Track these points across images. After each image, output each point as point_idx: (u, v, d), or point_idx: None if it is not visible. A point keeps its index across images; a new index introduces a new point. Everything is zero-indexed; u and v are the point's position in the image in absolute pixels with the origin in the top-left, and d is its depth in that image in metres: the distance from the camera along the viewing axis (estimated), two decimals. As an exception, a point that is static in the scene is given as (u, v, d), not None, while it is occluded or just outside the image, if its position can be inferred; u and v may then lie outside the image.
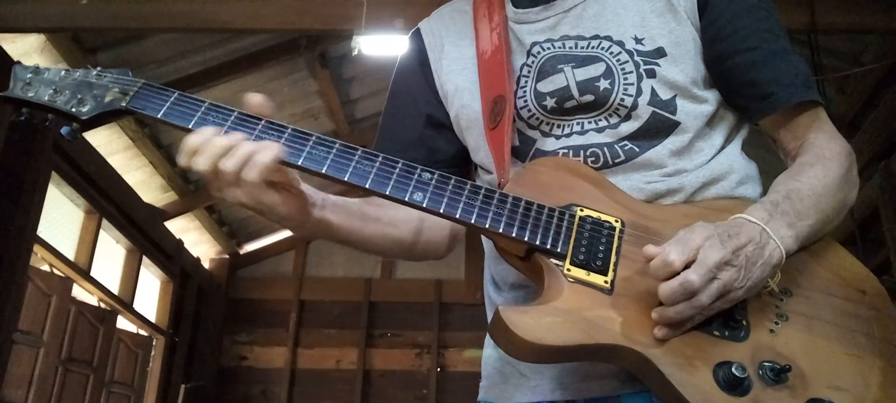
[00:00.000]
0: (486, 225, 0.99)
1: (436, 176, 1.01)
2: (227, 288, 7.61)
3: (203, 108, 1.03)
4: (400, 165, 1.02)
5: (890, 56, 4.32)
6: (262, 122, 1.02)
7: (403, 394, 7.29)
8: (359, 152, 1.02)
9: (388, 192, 1.00)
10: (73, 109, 1.05)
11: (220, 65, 5.21)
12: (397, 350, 7.45)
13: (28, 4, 3.97)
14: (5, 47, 4.17)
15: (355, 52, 4.18)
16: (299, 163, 0.99)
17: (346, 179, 0.99)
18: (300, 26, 4.20)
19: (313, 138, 1.01)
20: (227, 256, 7.65)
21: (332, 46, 5.55)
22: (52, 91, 1.06)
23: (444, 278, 7.49)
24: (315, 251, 7.87)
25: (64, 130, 1.06)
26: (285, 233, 7.84)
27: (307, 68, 5.64)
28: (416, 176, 1.01)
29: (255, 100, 1.03)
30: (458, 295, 7.46)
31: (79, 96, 1.06)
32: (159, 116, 1.03)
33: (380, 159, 1.01)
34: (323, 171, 0.99)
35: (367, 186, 0.99)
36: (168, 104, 1.04)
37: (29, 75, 1.07)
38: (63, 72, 1.08)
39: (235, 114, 1.02)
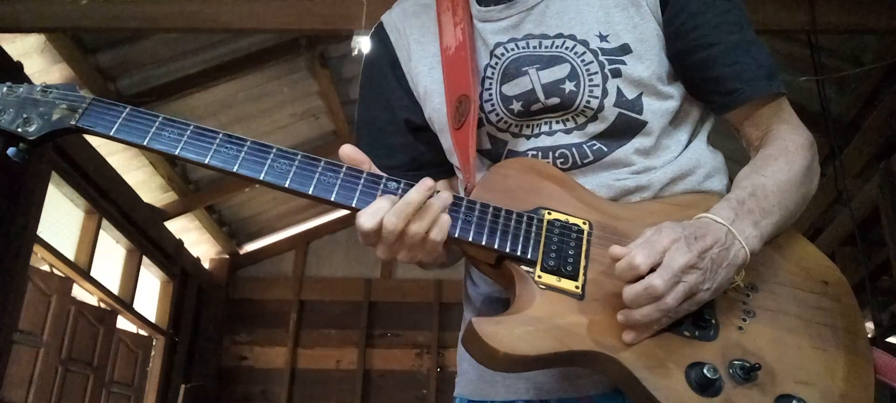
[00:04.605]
0: (455, 234, 0.98)
1: (402, 185, 0.99)
2: (228, 288, 7.61)
3: (157, 124, 0.99)
4: (364, 176, 0.99)
5: (890, 56, 4.31)
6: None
7: (403, 394, 7.29)
8: (321, 164, 0.99)
9: (353, 204, 0.97)
10: (20, 129, 0.99)
11: (220, 65, 5.20)
12: (397, 350, 7.46)
13: (28, 4, 3.97)
14: (5, 47, 4.17)
15: (355, 52, 4.18)
16: (258, 177, 0.97)
17: (310, 193, 0.97)
18: (300, 26, 4.20)
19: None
20: (227, 256, 7.65)
21: (332, 46, 5.54)
22: None
23: (444, 278, 7.49)
24: (315, 251, 7.88)
25: (10, 151, 1.00)
26: (285, 233, 7.85)
27: (307, 68, 5.63)
28: (381, 186, 0.99)
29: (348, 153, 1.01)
30: (458, 295, 7.27)
31: (24, 115, 1.00)
32: (111, 134, 0.99)
33: (344, 170, 0.99)
34: (286, 185, 0.97)
35: (331, 199, 0.97)
36: (119, 120, 0.99)
37: None
38: (5, 89, 1.02)
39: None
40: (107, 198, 5.37)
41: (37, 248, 4.52)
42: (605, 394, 1.03)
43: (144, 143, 0.98)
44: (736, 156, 1.23)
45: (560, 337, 0.92)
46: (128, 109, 1.00)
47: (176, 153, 0.98)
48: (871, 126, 4.65)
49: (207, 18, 4.04)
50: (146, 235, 6.08)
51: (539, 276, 0.98)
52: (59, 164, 4.70)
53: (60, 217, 5.05)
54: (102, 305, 5.59)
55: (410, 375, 7.37)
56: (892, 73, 4.36)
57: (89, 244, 5.27)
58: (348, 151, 1.01)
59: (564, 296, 0.97)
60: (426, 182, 0.96)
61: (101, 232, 5.45)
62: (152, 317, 6.48)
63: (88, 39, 4.64)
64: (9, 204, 4.14)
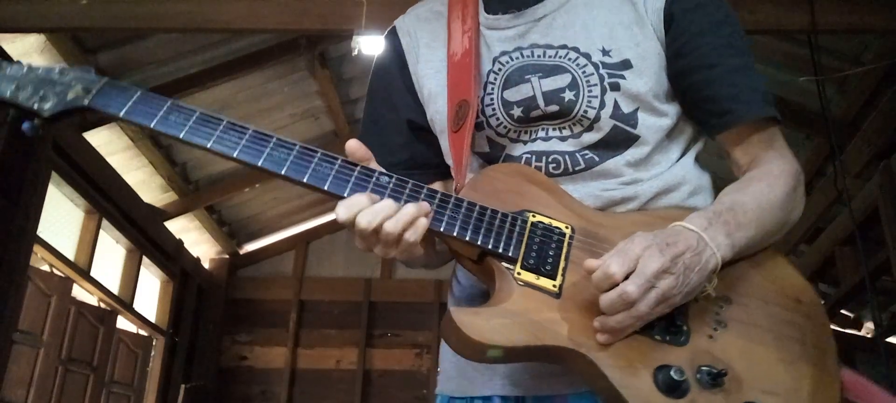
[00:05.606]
0: (441, 229, 1.02)
1: (393, 180, 1.03)
2: (227, 288, 7.60)
3: (165, 107, 1.04)
4: (358, 168, 1.03)
5: (890, 56, 4.31)
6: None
7: (403, 394, 7.29)
8: (318, 155, 1.03)
9: (345, 195, 1.01)
10: (35, 106, 1.05)
11: (220, 65, 5.20)
12: (397, 350, 7.46)
13: (28, 4, 3.97)
14: (5, 47, 4.17)
15: (355, 52, 4.18)
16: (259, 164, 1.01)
17: (304, 181, 1.01)
18: (300, 26, 4.19)
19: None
20: (227, 256, 7.65)
21: (332, 46, 5.54)
22: (14, 86, 1.06)
23: (444, 278, 7.46)
24: (315, 251, 7.87)
25: (25, 126, 1.06)
26: (285, 233, 7.85)
27: (307, 68, 5.63)
28: (373, 179, 1.02)
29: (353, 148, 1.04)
30: (458, 295, 7.45)
31: (41, 93, 1.06)
32: (122, 115, 1.03)
33: (339, 162, 1.02)
34: (282, 173, 1.01)
35: (324, 188, 1.01)
36: (130, 102, 1.04)
37: None
38: (26, 68, 1.08)
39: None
40: (107, 198, 5.37)
41: (37, 248, 4.52)
42: (578, 394, 1.06)
43: (152, 125, 1.03)
44: (722, 173, 1.24)
45: (534, 332, 0.96)
46: (139, 92, 1.05)
47: (180, 136, 1.03)
48: (871, 126, 4.65)
49: (207, 18, 4.03)
50: (146, 235, 6.08)
51: (519, 273, 1.01)
52: (59, 164, 4.70)
53: (60, 217, 5.05)
54: (102, 305, 5.60)
55: (410, 375, 7.37)
56: (892, 73, 4.36)
57: (89, 244, 5.27)
58: (354, 146, 1.04)
59: (542, 294, 1.00)
60: (423, 206, 0.99)
61: (101, 232, 5.45)
62: (152, 317, 6.48)
63: (88, 39, 4.64)
64: (9, 204, 4.14)
